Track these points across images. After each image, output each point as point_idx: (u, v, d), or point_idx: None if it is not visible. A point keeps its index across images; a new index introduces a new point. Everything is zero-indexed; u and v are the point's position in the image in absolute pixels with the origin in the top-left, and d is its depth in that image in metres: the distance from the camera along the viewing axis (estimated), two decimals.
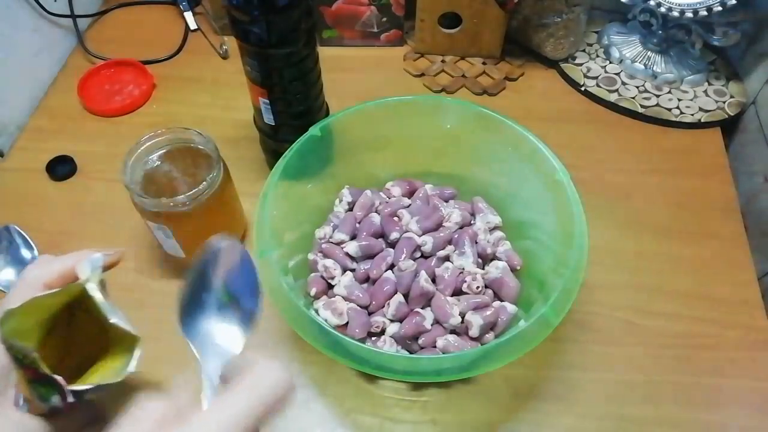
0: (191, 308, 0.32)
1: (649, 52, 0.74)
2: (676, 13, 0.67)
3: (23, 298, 0.29)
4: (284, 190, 0.50)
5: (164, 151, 0.52)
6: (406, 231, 0.53)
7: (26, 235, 0.59)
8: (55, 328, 0.31)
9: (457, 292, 0.51)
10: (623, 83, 0.74)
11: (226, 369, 0.30)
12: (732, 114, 0.70)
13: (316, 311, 0.50)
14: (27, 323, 0.29)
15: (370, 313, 0.50)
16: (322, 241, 0.54)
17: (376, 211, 0.56)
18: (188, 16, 0.81)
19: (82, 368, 0.31)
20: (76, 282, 0.30)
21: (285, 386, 0.27)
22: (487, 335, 0.49)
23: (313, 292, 0.51)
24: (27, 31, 0.72)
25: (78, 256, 0.32)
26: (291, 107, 0.56)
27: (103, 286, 0.31)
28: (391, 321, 0.49)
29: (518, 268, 0.53)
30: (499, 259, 0.53)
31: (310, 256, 0.54)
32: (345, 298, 0.50)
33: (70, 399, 0.28)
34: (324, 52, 0.56)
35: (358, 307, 0.50)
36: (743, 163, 0.68)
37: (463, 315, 0.48)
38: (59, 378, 0.28)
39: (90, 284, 0.30)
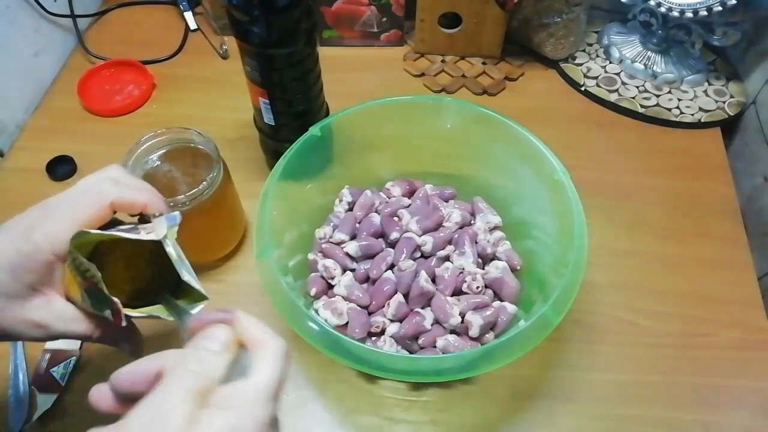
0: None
1: (649, 52, 0.74)
2: (676, 13, 0.67)
3: (91, 207, 0.33)
4: (284, 190, 0.50)
5: (164, 151, 0.52)
6: (406, 231, 0.53)
7: None
8: (112, 257, 0.34)
9: (457, 292, 0.51)
10: (623, 83, 0.74)
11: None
12: (732, 114, 0.70)
13: (316, 311, 0.50)
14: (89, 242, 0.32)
15: (370, 313, 0.50)
16: (322, 241, 0.54)
17: (376, 211, 0.56)
18: (188, 16, 0.81)
19: (127, 292, 0.34)
20: (152, 238, 0.33)
21: (287, 353, 0.29)
22: (487, 335, 0.49)
23: (313, 292, 0.51)
24: (27, 31, 0.72)
25: (148, 192, 0.35)
26: (291, 107, 0.56)
27: (175, 242, 0.33)
28: (391, 321, 0.49)
29: (518, 268, 0.53)
30: (499, 259, 0.53)
31: (310, 256, 0.54)
32: (345, 298, 0.50)
33: (123, 323, 0.31)
34: (324, 52, 0.56)
35: (358, 307, 0.50)
36: (743, 163, 0.68)
37: (463, 315, 0.48)
38: (117, 301, 0.31)
39: (166, 240, 0.33)
